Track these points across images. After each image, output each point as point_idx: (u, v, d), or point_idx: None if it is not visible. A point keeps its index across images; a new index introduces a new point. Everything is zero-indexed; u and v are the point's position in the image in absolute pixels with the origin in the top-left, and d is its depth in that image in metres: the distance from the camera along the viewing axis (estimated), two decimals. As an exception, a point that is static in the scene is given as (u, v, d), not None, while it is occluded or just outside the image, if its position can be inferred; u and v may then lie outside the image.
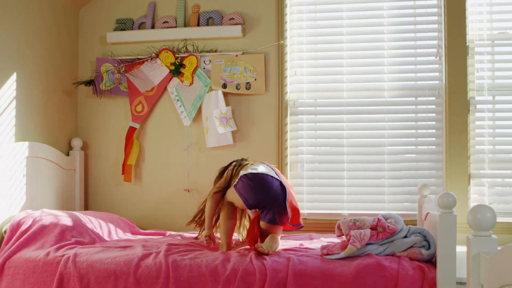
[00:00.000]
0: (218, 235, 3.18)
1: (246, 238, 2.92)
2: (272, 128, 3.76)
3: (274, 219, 2.84)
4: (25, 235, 2.90)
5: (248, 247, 2.91)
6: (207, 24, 3.83)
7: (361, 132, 3.69)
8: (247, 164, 3.07)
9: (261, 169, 2.93)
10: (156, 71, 3.84)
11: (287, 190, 2.88)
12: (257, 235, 2.87)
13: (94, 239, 3.06)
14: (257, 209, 2.95)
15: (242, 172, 2.93)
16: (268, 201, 2.83)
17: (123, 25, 3.94)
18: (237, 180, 2.92)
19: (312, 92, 3.77)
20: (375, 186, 3.65)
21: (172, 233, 3.52)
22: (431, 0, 3.64)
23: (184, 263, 2.54)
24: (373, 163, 3.66)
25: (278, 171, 3.06)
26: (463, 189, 3.48)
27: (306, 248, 2.87)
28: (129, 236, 3.41)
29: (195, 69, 3.79)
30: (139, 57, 3.88)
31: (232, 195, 2.95)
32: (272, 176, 2.88)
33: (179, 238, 3.34)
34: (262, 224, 2.88)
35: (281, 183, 2.89)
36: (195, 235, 3.42)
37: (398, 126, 3.65)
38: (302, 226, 3.02)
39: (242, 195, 2.85)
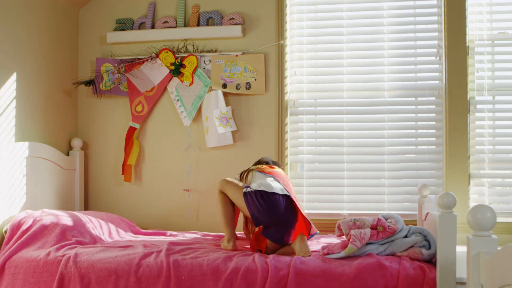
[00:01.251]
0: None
1: (249, 247, 2.91)
2: (272, 128, 3.76)
3: (281, 239, 2.77)
4: (26, 235, 2.90)
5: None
6: (207, 24, 3.83)
7: (361, 132, 3.69)
8: (254, 170, 3.05)
9: (274, 185, 2.85)
10: (156, 71, 3.84)
11: (298, 206, 2.82)
12: (262, 247, 2.83)
13: (95, 239, 3.06)
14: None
15: (254, 185, 2.86)
16: (277, 221, 2.78)
17: (123, 25, 3.94)
18: (246, 188, 2.86)
19: (312, 92, 3.77)
20: (375, 186, 3.65)
21: (173, 232, 3.52)
22: (431, 0, 3.65)
23: (185, 262, 2.54)
24: (373, 163, 3.66)
25: (284, 178, 3.03)
26: (463, 189, 3.48)
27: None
28: (129, 236, 3.41)
29: (195, 69, 3.79)
30: (139, 57, 3.88)
31: (239, 202, 2.88)
32: (280, 195, 2.80)
33: (180, 237, 3.34)
34: (269, 242, 2.81)
35: (289, 199, 2.83)
36: (195, 235, 3.42)
37: (398, 126, 3.66)
38: (317, 233, 3.05)
39: (251, 211, 2.79)
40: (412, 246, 2.49)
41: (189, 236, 3.40)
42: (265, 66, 3.74)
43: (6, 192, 3.14)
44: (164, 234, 3.49)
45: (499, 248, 1.54)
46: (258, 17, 3.79)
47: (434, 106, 3.61)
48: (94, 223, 3.21)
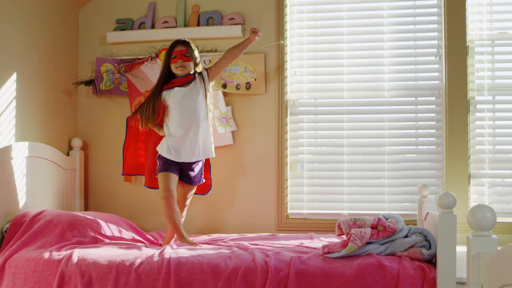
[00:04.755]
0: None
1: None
2: (272, 128, 3.76)
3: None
4: (26, 235, 2.90)
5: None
6: (207, 24, 3.83)
7: (361, 132, 3.69)
8: None
9: None
10: (156, 71, 3.82)
11: None
12: None
13: (95, 239, 3.06)
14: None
15: None
16: None
17: (123, 25, 3.94)
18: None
19: (312, 92, 3.77)
20: (375, 186, 3.65)
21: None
22: (431, 0, 3.65)
23: (185, 260, 2.55)
24: (373, 163, 3.66)
25: None
26: (463, 189, 3.48)
27: (306, 247, 2.87)
28: (130, 236, 3.40)
29: (195, 69, 3.79)
30: (139, 57, 3.87)
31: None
32: None
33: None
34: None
35: None
36: (195, 236, 3.42)
37: (398, 126, 3.66)
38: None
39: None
40: (412, 246, 2.49)
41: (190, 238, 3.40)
42: (265, 66, 3.74)
43: (6, 192, 3.14)
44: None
45: (499, 248, 1.54)
46: (258, 17, 3.79)
47: (434, 106, 3.61)
48: (95, 223, 3.21)
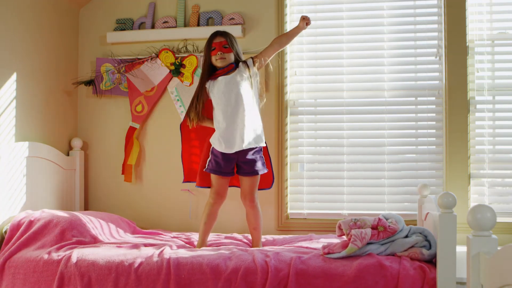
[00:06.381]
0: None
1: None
2: (272, 128, 3.76)
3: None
4: (25, 235, 2.90)
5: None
6: (207, 24, 3.83)
7: (361, 132, 3.69)
8: None
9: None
10: (156, 71, 3.84)
11: None
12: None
13: (95, 238, 3.06)
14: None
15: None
16: None
17: (123, 25, 3.94)
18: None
19: (312, 92, 3.77)
20: (375, 186, 3.65)
21: (175, 233, 3.51)
22: (431, 0, 3.65)
23: (185, 261, 2.55)
24: (373, 163, 3.66)
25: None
26: (463, 189, 3.48)
27: (307, 247, 2.87)
28: (129, 235, 3.41)
29: (195, 69, 3.79)
30: (139, 57, 3.88)
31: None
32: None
33: (182, 237, 3.34)
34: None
35: None
36: (197, 234, 3.42)
37: (398, 126, 3.65)
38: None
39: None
40: (412, 246, 2.49)
41: (191, 235, 3.40)
42: (265, 66, 3.73)
43: (6, 192, 3.14)
44: (164, 235, 3.49)
45: (499, 248, 1.54)
46: (258, 17, 3.79)
47: (434, 106, 3.61)
48: (94, 223, 3.21)
